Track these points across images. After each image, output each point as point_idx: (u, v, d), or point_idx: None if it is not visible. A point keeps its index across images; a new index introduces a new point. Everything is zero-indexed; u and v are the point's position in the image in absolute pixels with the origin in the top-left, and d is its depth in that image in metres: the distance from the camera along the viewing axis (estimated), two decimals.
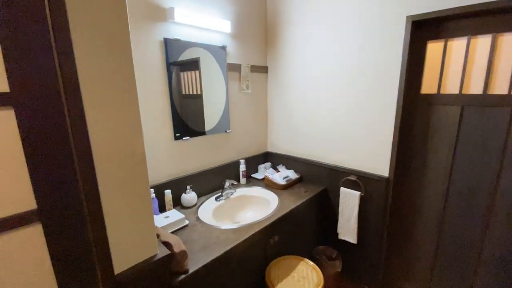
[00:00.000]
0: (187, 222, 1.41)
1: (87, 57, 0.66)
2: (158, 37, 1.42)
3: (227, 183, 1.75)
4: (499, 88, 1.27)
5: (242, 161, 1.98)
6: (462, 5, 1.24)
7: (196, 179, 1.72)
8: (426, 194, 1.57)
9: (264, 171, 2.11)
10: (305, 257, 1.55)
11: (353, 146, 1.72)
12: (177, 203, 1.62)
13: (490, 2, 1.17)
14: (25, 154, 0.60)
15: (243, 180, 2.00)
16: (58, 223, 0.66)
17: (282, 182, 1.88)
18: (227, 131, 1.89)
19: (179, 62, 1.52)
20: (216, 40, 1.72)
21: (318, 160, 1.94)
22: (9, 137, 0.57)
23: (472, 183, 1.40)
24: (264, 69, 2.11)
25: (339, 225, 1.83)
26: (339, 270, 1.82)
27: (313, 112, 1.90)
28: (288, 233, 1.64)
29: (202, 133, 1.74)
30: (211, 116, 1.77)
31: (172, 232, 1.32)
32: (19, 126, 0.58)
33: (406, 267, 1.74)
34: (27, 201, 0.62)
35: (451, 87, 1.40)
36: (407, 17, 1.38)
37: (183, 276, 1.01)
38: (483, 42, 1.29)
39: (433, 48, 1.43)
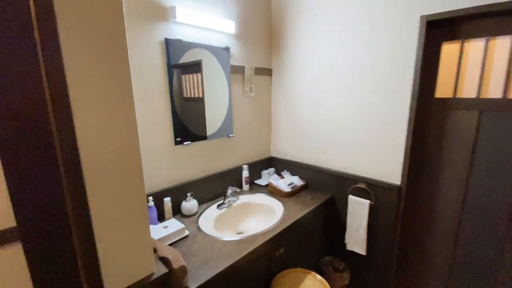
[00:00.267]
0: (187, 232, 1.32)
1: (77, 57, 0.58)
2: (158, 37, 1.36)
3: (229, 191, 1.67)
4: None
5: (245, 166, 1.90)
6: (480, 4, 1.17)
7: (197, 186, 1.64)
8: (440, 204, 1.48)
9: (268, 177, 2.03)
10: (311, 269, 1.46)
11: (362, 152, 1.64)
12: (177, 211, 1.53)
13: (510, 1, 1.10)
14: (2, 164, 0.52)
15: (246, 187, 1.92)
16: (40, 242, 0.58)
17: (287, 189, 1.80)
18: (229, 135, 1.82)
19: (180, 64, 1.45)
20: (219, 41, 1.65)
21: (324, 166, 1.85)
22: None
23: (490, 193, 1.31)
24: (268, 72, 2.04)
25: (347, 235, 1.74)
26: (346, 282, 1.73)
27: (319, 116, 1.82)
28: (294, 244, 1.55)
29: (204, 137, 1.66)
30: (213, 120, 1.70)
31: (171, 244, 1.24)
32: None
33: (418, 281, 1.64)
34: (4, 219, 0.54)
35: (468, 90, 1.33)
36: (421, 16, 1.31)
37: None
38: (502, 44, 1.21)
39: (449, 50, 1.35)
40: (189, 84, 1.53)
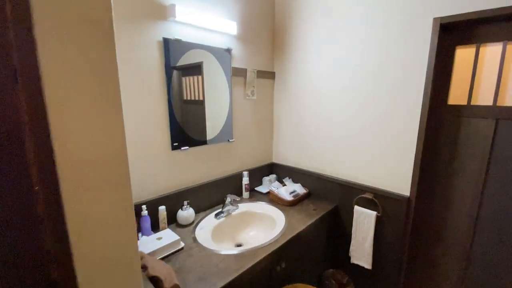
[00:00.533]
0: (182, 244, 1.24)
1: (55, 53, 0.51)
2: (156, 36, 1.29)
3: (228, 199, 1.59)
4: None
5: (245, 173, 1.82)
6: (498, 6, 1.10)
7: (194, 194, 1.55)
8: (452, 217, 1.39)
9: (269, 184, 1.95)
10: (313, 283, 1.37)
11: (369, 160, 1.56)
12: (172, 220, 1.45)
13: None
14: None
15: (245, 194, 1.84)
16: (6, 272, 0.50)
17: (289, 198, 1.71)
18: (229, 140, 1.74)
19: (179, 65, 1.38)
20: (220, 42, 1.58)
21: (329, 174, 1.77)
22: None
23: (507, 207, 1.23)
24: (271, 75, 1.97)
25: (351, 247, 1.65)
26: None
27: (324, 122, 1.74)
28: (296, 257, 1.46)
29: (203, 142, 1.58)
30: (213, 124, 1.62)
31: (165, 257, 1.15)
32: None
33: None
34: None
35: (483, 97, 1.25)
36: (435, 19, 1.24)
37: None
38: None
39: (463, 54, 1.28)
40: (189, 86, 1.45)
